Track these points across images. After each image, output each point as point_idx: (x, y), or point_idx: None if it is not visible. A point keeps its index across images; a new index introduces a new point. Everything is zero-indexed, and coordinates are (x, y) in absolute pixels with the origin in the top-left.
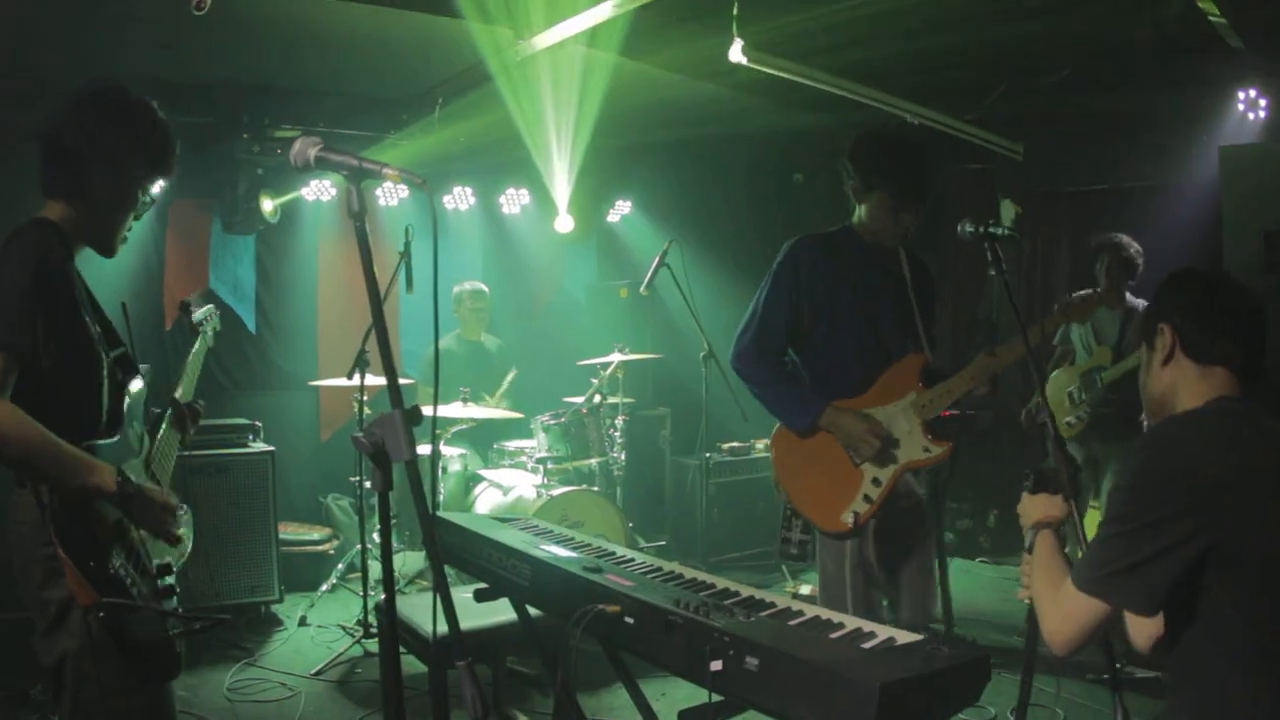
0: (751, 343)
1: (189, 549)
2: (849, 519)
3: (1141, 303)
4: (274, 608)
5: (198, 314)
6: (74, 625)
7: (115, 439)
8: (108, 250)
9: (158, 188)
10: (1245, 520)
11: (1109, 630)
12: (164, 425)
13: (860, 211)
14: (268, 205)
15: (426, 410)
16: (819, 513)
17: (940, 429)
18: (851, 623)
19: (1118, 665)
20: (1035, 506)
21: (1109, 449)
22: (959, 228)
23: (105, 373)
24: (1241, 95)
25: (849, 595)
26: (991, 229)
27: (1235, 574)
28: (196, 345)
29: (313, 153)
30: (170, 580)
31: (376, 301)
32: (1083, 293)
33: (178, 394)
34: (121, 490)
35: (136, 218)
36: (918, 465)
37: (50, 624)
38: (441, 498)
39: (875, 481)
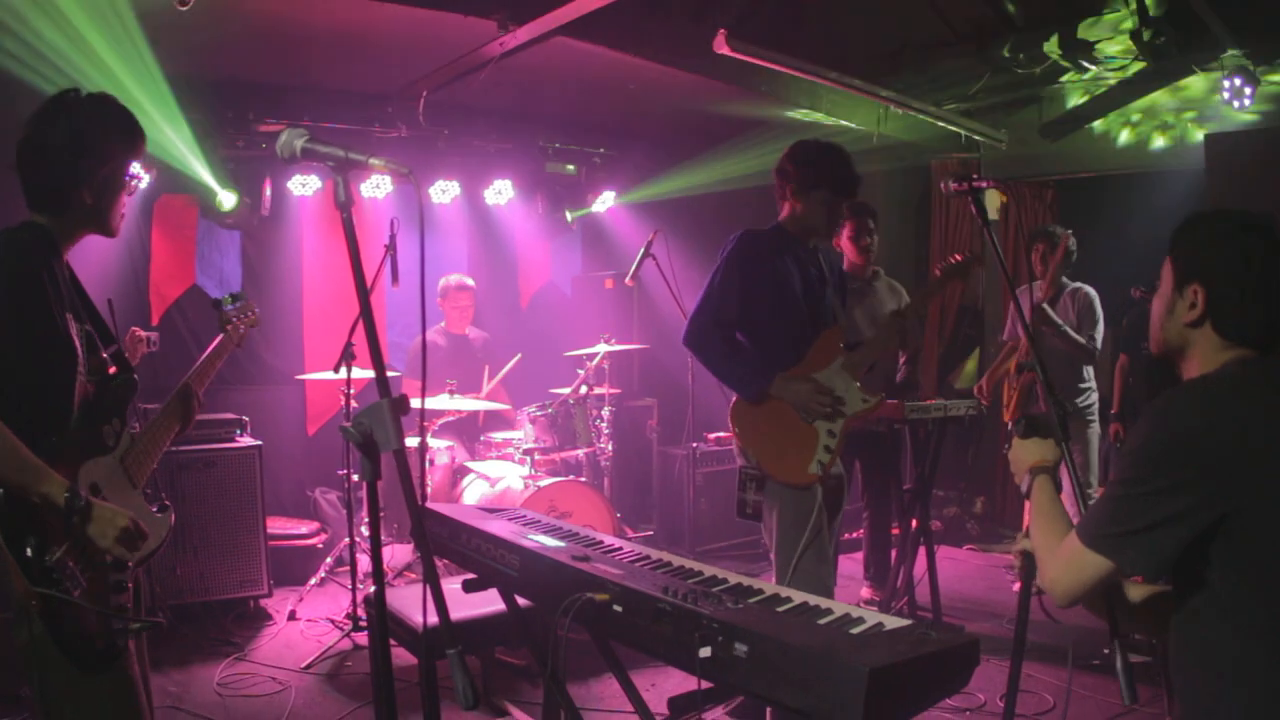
0: (708, 321)
1: (155, 547)
2: (816, 469)
3: (1077, 286)
4: (263, 602)
5: (230, 308)
6: (22, 617)
7: (82, 435)
8: (109, 232)
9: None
10: (1260, 488)
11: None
12: (161, 417)
13: (795, 209)
14: (228, 200)
15: (414, 402)
16: (786, 469)
17: (869, 383)
18: (840, 608)
19: (1106, 651)
20: (1029, 451)
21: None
22: (942, 184)
23: (84, 369)
24: (1226, 84)
25: (805, 536)
26: (975, 185)
27: (1247, 541)
28: (219, 340)
29: (299, 144)
30: (120, 577)
31: (364, 292)
32: (956, 257)
33: (194, 386)
34: (68, 505)
35: (129, 194)
36: (863, 415)
37: (15, 616)
38: (429, 490)
39: (830, 434)
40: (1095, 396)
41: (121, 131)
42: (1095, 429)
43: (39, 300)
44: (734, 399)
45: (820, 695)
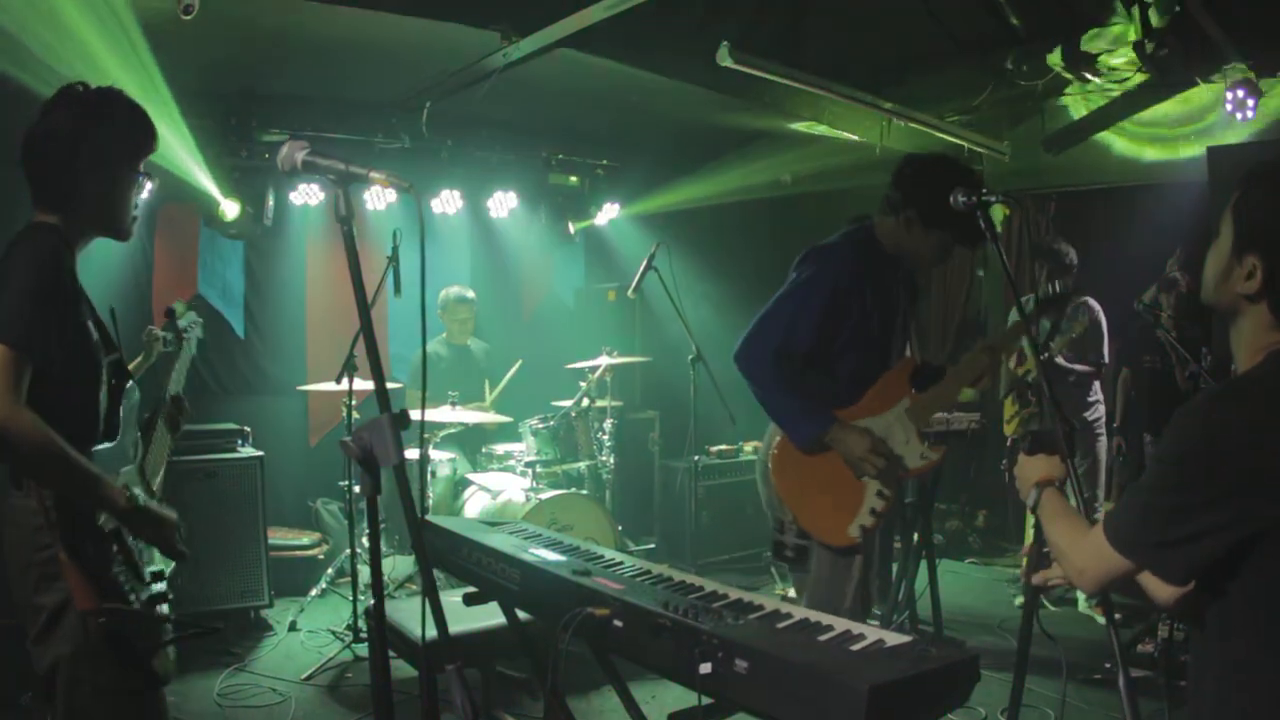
0: (772, 351)
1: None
2: (856, 532)
3: (1082, 301)
4: (264, 613)
5: (182, 321)
6: (67, 630)
7: (112, 445)
8: (122, 234)
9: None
10: None
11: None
12: (158, 427)
13: (898, 227)
14: (231, 210)
15: (415, 414)
16: (826, 529)
17: (934, 436)
18: (840, 624)
19: (1107, 665)
20: (1034, 468)
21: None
22: (952, 198)
23: (104, 377)
24: (1229, 96)
25: (846, 603)
26: (985, 198)
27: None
28: (182, 352)
29: (300, 156)
30: (162, 587)
31: (364, 305)
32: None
33: (172, 390)
34: (128, 506)
35: (139, 192)
36: (916, 473)
37: (42, 629)
38: (430, 502)
39: (880, 495)
40: (1103, 410)
41: (132, 126)
42: (1104, 442)
43: (72, 307)
44: (779, 437)
45: (820, 712)
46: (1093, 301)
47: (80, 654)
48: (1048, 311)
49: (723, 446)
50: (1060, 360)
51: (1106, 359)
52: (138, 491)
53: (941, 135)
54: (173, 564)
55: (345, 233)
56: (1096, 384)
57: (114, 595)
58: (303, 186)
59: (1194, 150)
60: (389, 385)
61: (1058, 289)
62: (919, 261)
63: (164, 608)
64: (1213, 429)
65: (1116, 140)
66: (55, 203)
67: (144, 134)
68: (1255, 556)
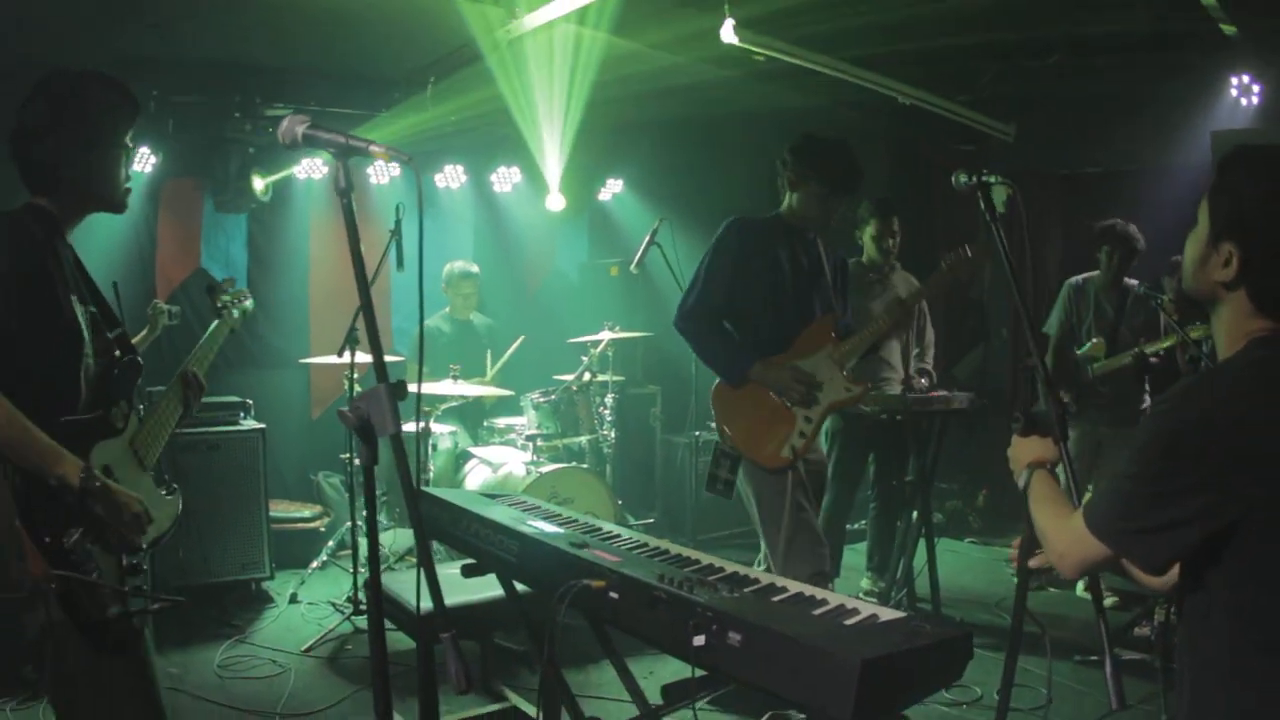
0: (696, 304)
1: (167, 528)
2: (788, 452)
3: (1135, 284)
4: (265, 585)
5: (226, 295)
6: (51, 598)
7: (94, 417)
8: (117, 207)
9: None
10: (1275, 490)
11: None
12: (164, 400)
13: (792, 200)
14: (258, 184)
15: (413, 386)
16: (761, 451)
17: (858, 373)
18: (835, 599)
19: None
20: (1027, 449)
21: (1117, 432)
22: (953, 178)
23: (91, 351)
24: (1234, 81)
25: (785, 516)
26: (985, 177)
27: (1263, 546)
28: (214, 325)
29: (300, 130)
30: (136, 559)
31: (363, 278)
32: (964, 252)
33: (192, 369)
34: (83, 485)
35: (130, 163)
36: (843, 404)
37: (29, 597)
38: (431, 475)
39: (807, 419)
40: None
41: (109, 104)
42: None
43: (41, 282)
44: (716, 381)
45: (812, 685)
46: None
47: (58, 621)
48: (957, 270)
49: None
50: (1154, 360)
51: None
52: (98, 472)
53: (947, 114)
54: (162, 533)
55: (345, 206)
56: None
57: (66, 565)
58: (306, 161)
59: (1198, 133)
60: (391, 359)
61: (971, 253)
62: (811, 222)
63: (139, 579)
64: (1192, 416)
65: (1120, 122)
66: (44, 187)
67: (123, 109)
68: (1235, 544)
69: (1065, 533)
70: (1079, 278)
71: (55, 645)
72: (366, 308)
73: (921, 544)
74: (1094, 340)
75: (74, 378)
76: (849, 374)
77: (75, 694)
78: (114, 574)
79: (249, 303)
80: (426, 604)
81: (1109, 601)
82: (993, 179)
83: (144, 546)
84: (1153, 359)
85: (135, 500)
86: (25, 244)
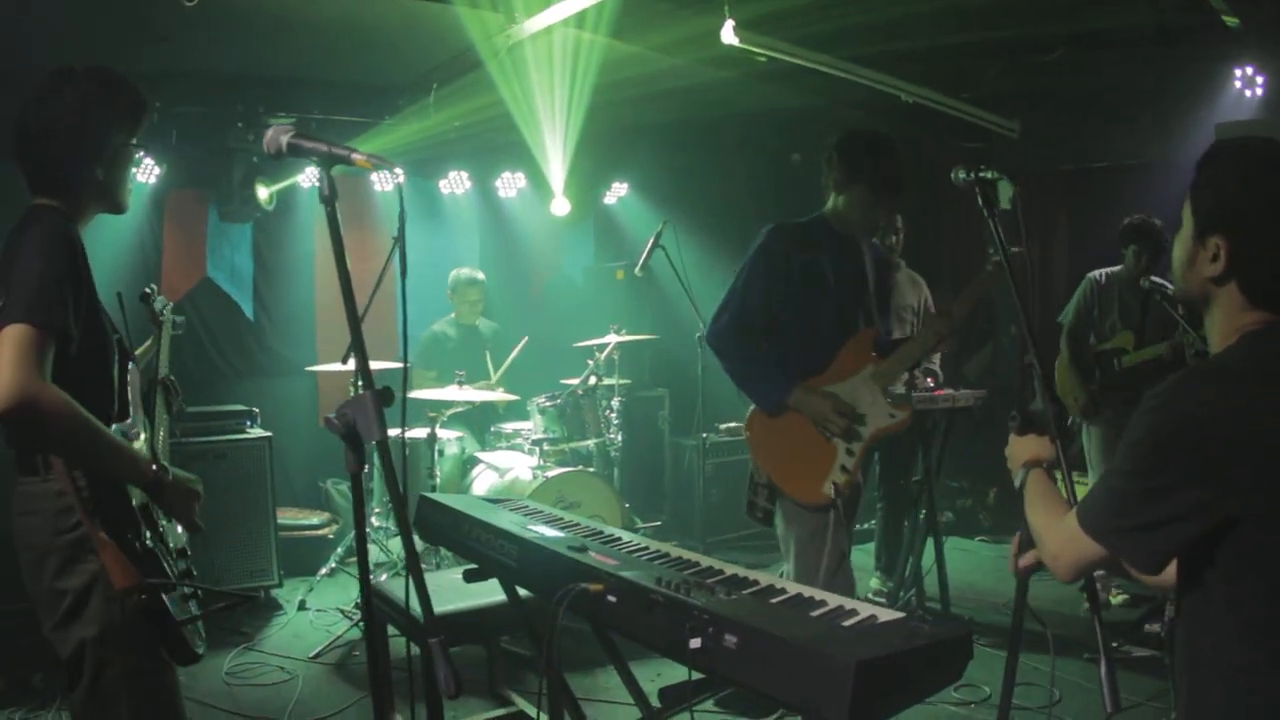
0: (730, 322)
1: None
2: (829, 490)
3: (1161, 282)
4: (273, 592)
5: (157, 304)
6: (93, 612)
7: (128, 422)
8: (119, 208)
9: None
10: (1273, 490)
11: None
12: (158, 408)
13: (837, 202)
14: (263, 193)
15: (414, 393)
16: (800, 487)
17: (900, 396)
18: (834, 600)
19: (1115, 644)
20: (1024, 447)
21: None
22: (952, 174)
23: (116, 355)
24: (1238, 73)
25: (823, 561)
26: (983, 173)
27: (1257, 544)
28: (166, 334)
29: (284, 139)
30: (185, 564)
31: (347, 284)
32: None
33: (164, 373)
34: (157, 477)
35: (135, 166)
36: (887, 431)
37: (65, 614)
38: (438, 480)
39: (849, 453)
40: None
41: (125, 102)
42: None
43: (88, 285)
44: (752, 408)
45: (808, 687)
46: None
47: (107, 635)
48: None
49: (732, 424)
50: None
51: None
52: (165, 463)
53: (952, 111)
54: (186, 539)
55: (329, 214)
56: None
57: (154, 570)
58: (310, 170)
59: (1203, 126)
60: (395, 365)
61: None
62: (855, 227)
63: (188, 583)
64: (1187, 410)
65: (1126, 117)
66: (56, 189)
67: (140, 109)
68: (1233, 538)
69: (1059, 533)
70: (1101, 273)
71: (94, 661)
72: (351, 313)
73: (930, 543)
74: (1123, 332)
75: (107, 384)
76: (891, 399)
77: (115, 709)
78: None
79: (169, 311)
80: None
81: (1118, 599)
82: (989, 174)
83: (188, 553)
84: (1192, 353)
85: (194, 479)
86: (75, 245)
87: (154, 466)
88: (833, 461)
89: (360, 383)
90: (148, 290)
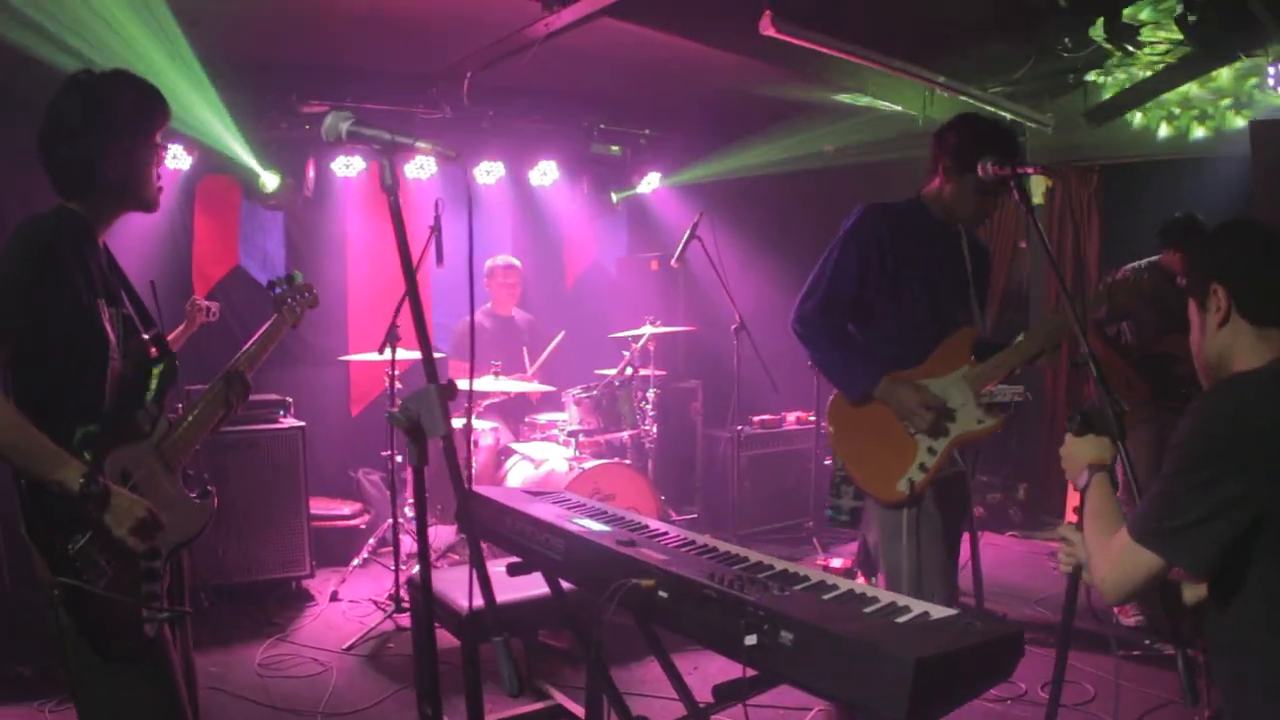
0: (816, 307)
1: (194, 533)
2: (904, 487)
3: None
4: (305, 583)
5: (281, 290)
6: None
7: (114, 422)
8: (148, 207)
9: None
10: None
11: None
12: (204, 400)
13: (944, 188)
14: (271, 182)
15: (464, 384)
16: (874, 481)
17: (994, 405)
18: (886, 596)
19: (1148, 642)
20: (1084, 449)
21: None
22: (980, 167)
23: (118, 355)
24: (1272, 70)
25: (904, 562)
26: (1018, 170)
27: None
28: (271, 321)
29: (344, 127)
30: (156, 563)
31: (411, 275)
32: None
33: (240, 368)
34: (84, 491)
35: (159, 164)
36: (972, 437)
37: (49, 600)
38: (474, 471)
39: (930, 451)
40: None
41: (140, 103)
42: None
43: (62, 284)
44: (833, 394)
45: (866, 685)
46: None
47: (61, 629)
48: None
49: (766, 416)
50: None
51: None
52: (107, 477)
53: (985, 106)
54: (188, 537)
55: (391, 202)
56: None
57: (68, 572)
58: (342, 158)
59: (1235, 124)
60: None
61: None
62: (962, 216)
63: (154, 583)
64: (1210, 414)
65: (1159, 114)
66: (75, 189)
67: (154, 109)
68: (1266, 538)
69: (1107, 556)
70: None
71: (69, 649)
72: (415, 306)
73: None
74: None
75: (95, 382)
76: (983, 405)
77: (89, 696)
78: (128, 582)
79: (312, 295)
80: (473, 603)
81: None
82: (1027, 169)
83: (162, 553)
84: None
85: (140, 505)
86: (43, 246)
87: (81, 480)
88: (913, 458)
89: (395, 374)
90: (273, 280)
